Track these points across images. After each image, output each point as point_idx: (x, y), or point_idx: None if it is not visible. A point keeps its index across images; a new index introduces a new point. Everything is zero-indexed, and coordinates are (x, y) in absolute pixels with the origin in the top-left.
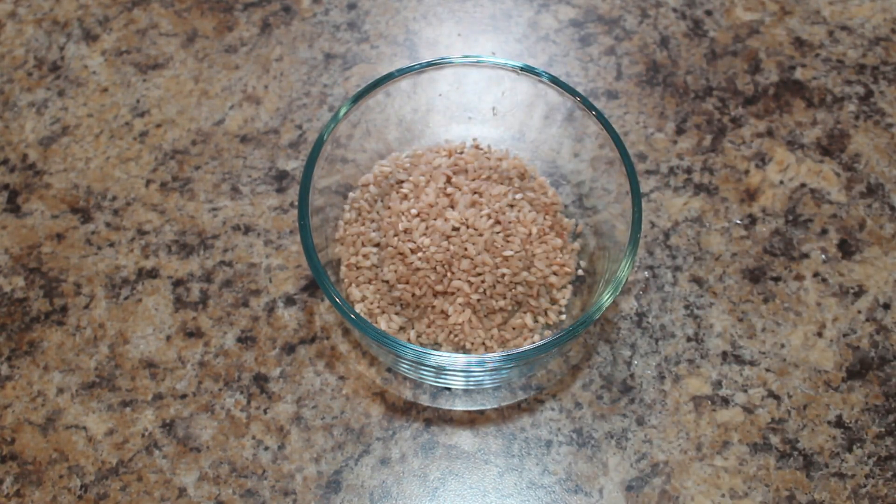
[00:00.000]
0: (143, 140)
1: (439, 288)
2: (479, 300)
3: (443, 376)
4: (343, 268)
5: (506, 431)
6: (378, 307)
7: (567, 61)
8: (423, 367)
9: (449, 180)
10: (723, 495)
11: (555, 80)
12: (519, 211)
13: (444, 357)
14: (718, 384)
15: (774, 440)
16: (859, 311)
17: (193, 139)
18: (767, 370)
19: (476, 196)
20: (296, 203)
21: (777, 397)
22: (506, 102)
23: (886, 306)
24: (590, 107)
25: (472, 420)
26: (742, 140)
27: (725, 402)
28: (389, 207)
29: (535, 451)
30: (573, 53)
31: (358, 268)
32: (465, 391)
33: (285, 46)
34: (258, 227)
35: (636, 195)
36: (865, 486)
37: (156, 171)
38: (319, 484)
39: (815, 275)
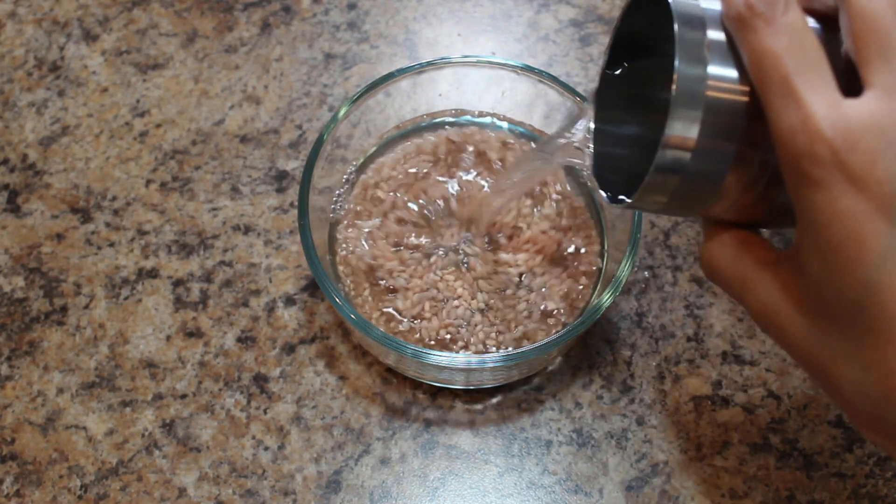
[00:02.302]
0: (143, 140)
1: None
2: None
3: (442, 375)
4: (342, 268)
5: (506, 431)
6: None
7: (567, 61)
8: (422, 367)
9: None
10: (723, 495)
11: (555, 80)
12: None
13: (444, 357)
14: (718, 384)
15: (774, 440)
16: None
17: (193, 139)
18: (767, 370)
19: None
20: (296, 203)
21: (777, 397)
22: (506, 102)
23: None
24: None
25: (472, 420)
26: None
27: (725, 402)
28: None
29: (535, 451)
30: (573, 53)
31: None
32: (466, 391)
33: (285, 46)
34: (258, 227)
35: None
36: (865, 486)
37: (156, 171)
38: (319, 484)
39: None
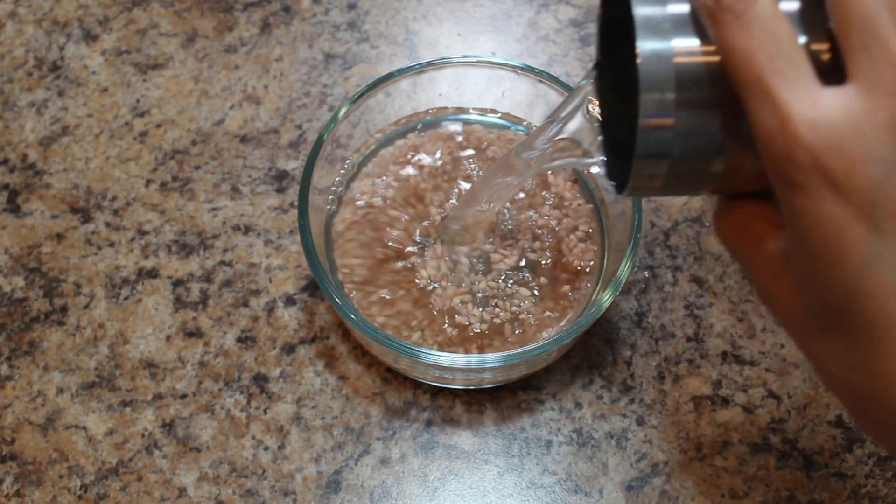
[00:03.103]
0: (143, 140)
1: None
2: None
3: (442, 375)
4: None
5: (506, 431)
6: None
7: (567, 61)
8: (422, 367)
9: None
10: (723, 495)
11: (555, 80)
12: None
13: (444, 357)
14: (718, 384)
15: (774, 440)
16: None
17: (193, 139)
18: (767, 370)
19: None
20: (296, 203)
21: (777, 397)
22: (506, 102)
23: None
24: None
25: (472, 420)
26: None
27: (725, 402)
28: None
29: (535, 451)
30: (573, 53)
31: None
32: (466, 391)
33: (285, 46)
34: (258, 227)
35: None
36: (865, 486)
37: (156, 171)
38: (319, 484)
39: None
